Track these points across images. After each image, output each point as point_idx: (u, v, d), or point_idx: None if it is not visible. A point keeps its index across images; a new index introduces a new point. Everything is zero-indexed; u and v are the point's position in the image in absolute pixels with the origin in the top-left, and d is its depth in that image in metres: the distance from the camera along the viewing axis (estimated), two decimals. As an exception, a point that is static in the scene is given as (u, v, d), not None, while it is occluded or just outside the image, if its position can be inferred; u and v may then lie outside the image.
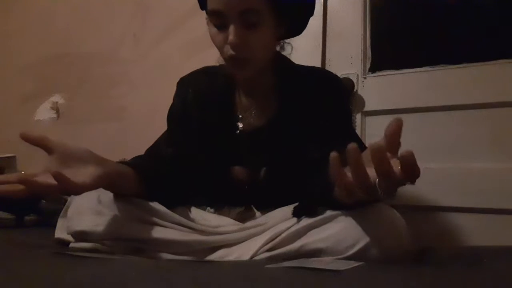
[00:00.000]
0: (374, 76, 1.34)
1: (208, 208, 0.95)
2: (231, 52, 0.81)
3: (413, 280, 0.56)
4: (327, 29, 1.40)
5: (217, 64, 0.97)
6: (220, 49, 0.84)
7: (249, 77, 0.89)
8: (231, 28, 0.79)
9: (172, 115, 1.01)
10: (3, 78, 2.06)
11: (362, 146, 0.94)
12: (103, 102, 1.81)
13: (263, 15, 0.80)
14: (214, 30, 0.83)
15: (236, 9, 0.78)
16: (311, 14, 0.90)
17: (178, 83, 1.02)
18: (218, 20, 0.81)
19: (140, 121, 1.69)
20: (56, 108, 1.92)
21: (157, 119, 1.08)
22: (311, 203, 0.78)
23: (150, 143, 1.00)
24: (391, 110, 1.30)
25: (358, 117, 1.33)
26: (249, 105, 0.95)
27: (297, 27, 0.93)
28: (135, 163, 0.84)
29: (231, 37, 0.79)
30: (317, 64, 1.38)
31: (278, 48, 0.96)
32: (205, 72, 1.01)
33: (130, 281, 0.55)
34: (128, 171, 0.80)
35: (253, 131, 0.92)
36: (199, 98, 0.96)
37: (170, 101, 1.03)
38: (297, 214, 0.79)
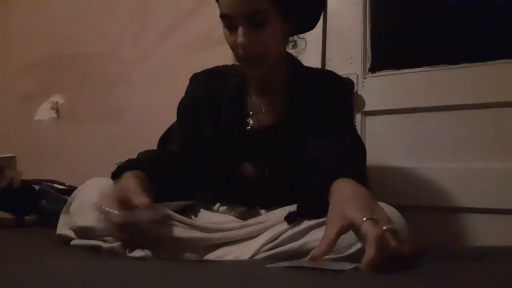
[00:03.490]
0: (374, 76, 1.34)
1: (218, 204, 0.96)
2: (241, 52, 0.84)
3: (413, 280, 0.56)
4: (327, 29, 1.40)
5: (231, 63, 1.00)
6: (233, 49, 0.87)
7: (262, 75, 0.91)
8: (239, 30, 0.83)
9: (182, 109, 1.03)
10: (3, 78, 2.06)
11: (361, 146, 0.95)
12: (103, 102, 1.81)
13: (269, 14, 0.83)
14: (227, 32, 0.87)
15: (242, 12, 0.81)
16: (323, 8, 0.93)
17: (191, 78, 1.04)
18: (228, 22, 0.85)
19: (140, 121, 1.69)
20: (56, 108, 1.92)
21: (157, 119, 1.08)
22: (305, 209, 0.79)
23: (150, 143, 1.00)
24: (391, 110, 1.30)
25: (358, 117, 1.33)
26: (260, 103, 0.97)
27: (308, 22, 0.95)
28: (145, 164, 0.86)
29: (239, 38, 0.83)
30: (317, 64, 1.37)
31: (290, 46, 0.98)
32: (219, 71, 1.03)
33: (130, 281, 0.55)
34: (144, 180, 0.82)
35: (263, 129, 0.94)
36: (211, 95, 0.98)
37: (170, 101, 1.04)
38: (290, 220, 0.79)
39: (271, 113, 0.96)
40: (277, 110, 0.95)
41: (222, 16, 0.85)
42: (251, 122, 0.95)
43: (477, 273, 0.63)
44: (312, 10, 0.94)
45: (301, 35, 1.00)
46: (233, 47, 0.87)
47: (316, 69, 1.02)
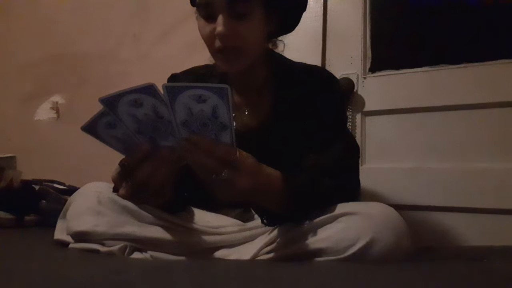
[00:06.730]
0: (374, 76, 1.34)
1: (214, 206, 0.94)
2: (219, 44, 0.79)
3: (413, 280, 0.56)
4: (327, 29, 1.40)
5: (208, 64, 0.95)
6: (208, 42, 0.81)
7: (238, 71, 0.86)
8: (219, 18, 0.76)
9: None
10: (3, 78, 2.06)
11: (355, 147, 0.94)
12: (103, 102, 1.80)
13: (252, 6, 0.78)
14: (203, 22, 0.81)
15: None
16: (304, 9, 0.88)
17: (169, 79, 1.00)
18: (206, 11, 0.79)
19: (140, 121, 1.68)
20: (56, 108, 1.92)
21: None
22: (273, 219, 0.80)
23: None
24: (391, 110, 1.30)
25: (358, 117, 1.33)
26: (241, 104, 0.92)
27: (289, 23, 0.90)
28: None
29: (219, 27, 0.76)
30: (317, 64, 1.37)
31: (270, 46, 0.93)
32: (196, 71, 0.99)
33: (130, 281, 0.55)
34: None
35: (247, 131, 0.90)
36: None
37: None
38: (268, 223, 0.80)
39: (255, 113, 0.91)
40: (261, 110, 0.90)
41: (200, 4, 0.79)
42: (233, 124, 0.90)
43: (477, 273, 0.63)
44: (295, 10, 0.89)
45: (279, 38, 0.95)
46: (209, 38, 0.80)
47: (303, 64, 0.96)
